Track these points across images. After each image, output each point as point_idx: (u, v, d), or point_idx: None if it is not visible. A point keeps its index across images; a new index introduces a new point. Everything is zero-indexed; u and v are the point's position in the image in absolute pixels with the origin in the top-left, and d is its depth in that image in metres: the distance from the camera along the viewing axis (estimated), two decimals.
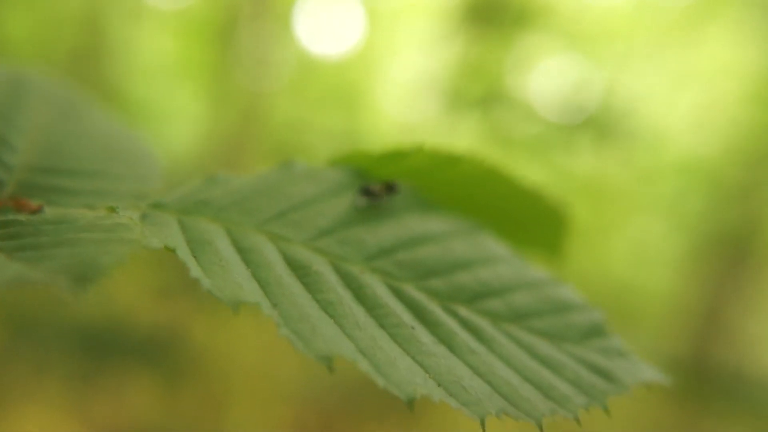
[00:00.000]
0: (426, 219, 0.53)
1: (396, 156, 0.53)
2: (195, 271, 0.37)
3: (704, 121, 4.56)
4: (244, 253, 0.42)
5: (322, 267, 0.44)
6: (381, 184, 0.52)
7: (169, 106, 5.10)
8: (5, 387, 2.43)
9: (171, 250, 0.38)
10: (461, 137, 3.75)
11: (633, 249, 4.94)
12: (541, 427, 0.39)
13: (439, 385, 0.39)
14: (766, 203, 4.05)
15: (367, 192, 0.51)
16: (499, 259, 0.53)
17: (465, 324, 0.46)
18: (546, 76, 4.12)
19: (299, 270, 0.43)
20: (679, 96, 4.85)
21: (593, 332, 0.50)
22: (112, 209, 0.40)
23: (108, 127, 0.55)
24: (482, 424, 0.38)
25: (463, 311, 0.47)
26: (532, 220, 0.65)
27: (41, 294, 2.73)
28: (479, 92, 3.69)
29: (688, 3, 4.56)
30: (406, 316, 0.44)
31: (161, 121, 4.85)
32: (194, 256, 0.39)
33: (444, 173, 0.55)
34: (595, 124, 3.68)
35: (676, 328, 4.08)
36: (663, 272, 4.77)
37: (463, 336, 0.45)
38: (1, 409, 2.37)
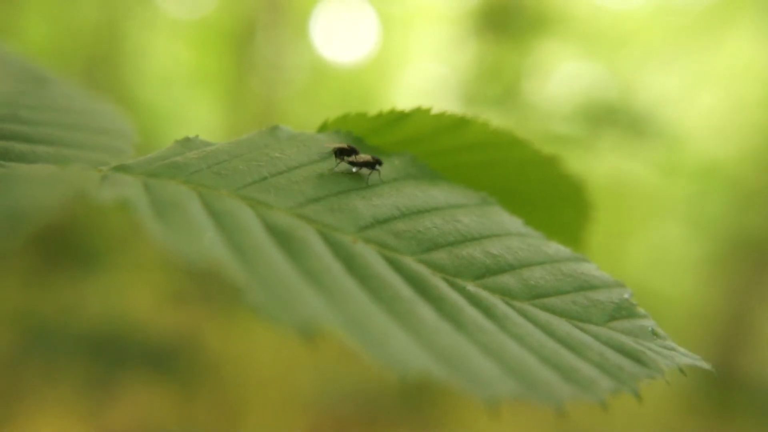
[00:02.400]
0: (428, 189, 0.47)
1: (395, 119, 0.47)
2: (154, 228, 0.32)
3: (724, 124, 4.46)
4: (217, 217, 0.37)
5: (307, 234, 0.39)
6: (367, 157, 0.46)
7: (185, 113, 5.12)
8: (19, 393, 2.41)
9: (128, 208, 0.33)
10: None
11: (653, 253, 4.83)
12: (561, 413, 0.33)
13: (442, 363, 0.33)
14: None
15: (344, 157, 0.45)
16: (512, 233, 0.47)
17: (473, 300, 0.40)
18: (564, 79, 4.05)
19: (281, 236, 0.37)
20: (698, 99, 4.76)
21: (621, 312, 0.44)
22: (64, 167, 0.35)
23: (79, 102, 0.51)
24: (493, 407, 0.32)
25: (471, 287, 0.42)
26: (549, 197, 0.58)
27: (54, 300, 2.71)
28: (496, 96, 3.63)
29: (706, 6, 4.48)
30: (405, 290, 0.38)
31: (178, 128, 4.87)
32: (156, 216, 0.34)
33: (449, 139, 0.50)
34: (614, 127, 3.60)
35: (698, 336, 3.96)
36: (684, 277, 4.65)
37: (471, 313, 0.39)
38: (16, 416, 2.35)
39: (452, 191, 0.48)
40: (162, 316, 3.10)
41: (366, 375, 2.78)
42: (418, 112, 0.47)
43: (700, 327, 4.01)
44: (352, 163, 0.46)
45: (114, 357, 2.64)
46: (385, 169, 0.47)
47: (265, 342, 2.96)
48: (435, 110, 0.47)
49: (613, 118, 3.62)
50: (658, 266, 4.76)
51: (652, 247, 4.88)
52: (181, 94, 5.13)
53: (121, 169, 0.39)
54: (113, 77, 4.24)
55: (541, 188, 0.56)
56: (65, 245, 2.95)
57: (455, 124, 0.48)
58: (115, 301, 2.96)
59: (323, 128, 0.49)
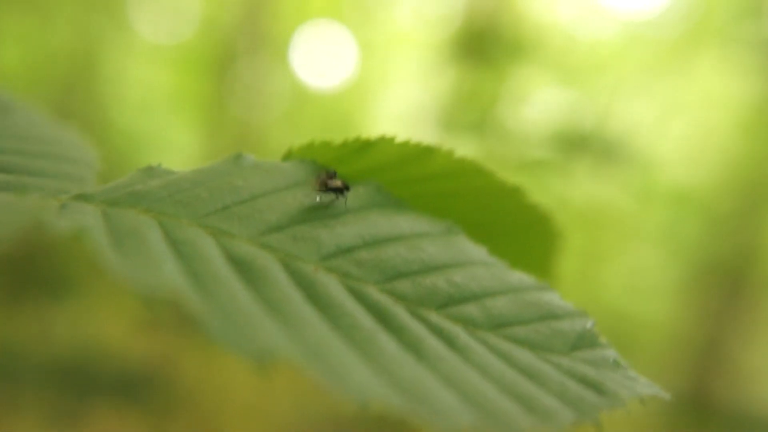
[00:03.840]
0: (393, 218, 0.48)
1: (359, 147, 0.48)
2: (110, 257, 0.31)
3: (696, 151, 4.56)
4: (176, 245, 0.37)
5: (268, 263, 0.39)
6: (341, 181, 0.47)
7: (164, 139, 5.09)
8: None
9: (85, 238, 0.32)
10: None
11: (627, 278, 4.88)
12: None
13: (401, 393, 0.33)
14: (761, 232, 4.01)
15: (326, 185, 0.46)
16: (476, 262, 0.48)
17: (435, 330, 0.40)
18: (540, 106, 4.12)
19: (241, 265, 0.37)
20: (670, 126, 4.87)
21: (583, 342, 0.45)
22: (21, 195, 0.34)
23: (41, 129, 0.50)
24: None
25: (434, 317, 0.42)
26: (515, 227, 0.59)
27: (21, 327, 2.65)
28: (473, 122, 3.67)
29: (677, 36, 4.61)
30: (366, 320, 0.38)
31: (156, 154, 4.84)
32: (114, 246, 0.33)
33: (415, 168, 0.50)
34: (589, 153, 3.66)
35: (672, 360, 3.99)
36: (658, 302, 4.70)
37: (432, 343, 0.39)
38: None
39: (417, 220, 0.49)
40: (135, 343, 3.05)
41: (343, 402, 2.75)
42: (383, 141, 0.47)
43: (674, 351, 4.04)
44: (327, 188, 0.47)
45: (84, 386, 2.58)
46: (349, 198, 0.47)
47: (241, 369, 2.92)
48: (399, 139, 0.48)
49: (588, 144, 3.68)
50: (633, 291, 4.80)
51: (626, 272, 4.93)
52: (159, 120, 5.11)
53: (81, 197, 0.39)
54: (90, 103, 4.21)
55: (506, 218, 0.57)
56: (33, 270, 2.89)
57: (420, 153, 0.49)
58: (85, 328, 2.90)
59: (287, 157, 0.50)
